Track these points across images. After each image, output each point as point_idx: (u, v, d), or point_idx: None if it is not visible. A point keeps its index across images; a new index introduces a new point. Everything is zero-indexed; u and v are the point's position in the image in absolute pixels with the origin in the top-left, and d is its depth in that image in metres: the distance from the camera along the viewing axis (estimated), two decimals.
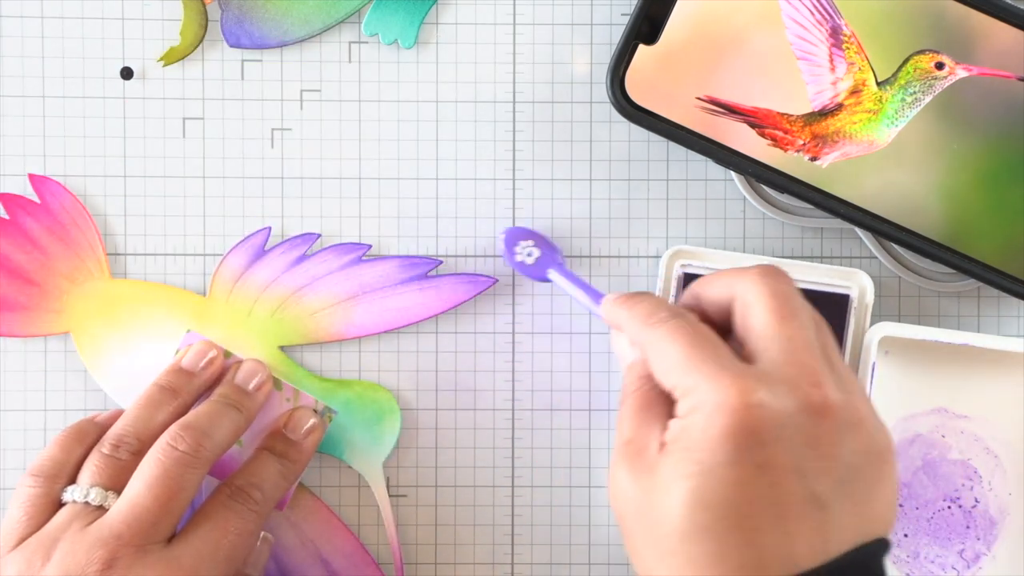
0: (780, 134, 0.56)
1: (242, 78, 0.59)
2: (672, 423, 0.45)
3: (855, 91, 0.56)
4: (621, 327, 0.50)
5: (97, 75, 0.59)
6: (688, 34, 0.56)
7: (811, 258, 0.59)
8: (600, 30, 0.59)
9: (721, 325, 0.48)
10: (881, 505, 0.45)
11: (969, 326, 0.59)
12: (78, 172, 0.59)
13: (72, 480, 0.53)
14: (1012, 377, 0.58)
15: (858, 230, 0.59)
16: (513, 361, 0.59)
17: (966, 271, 0.56)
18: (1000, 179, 0.56)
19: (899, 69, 0.56)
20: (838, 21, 0.56)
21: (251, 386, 0.57)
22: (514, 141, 0.59)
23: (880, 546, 0.44)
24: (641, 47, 0.56)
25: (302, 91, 0.59)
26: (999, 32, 0.55)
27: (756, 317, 0.46)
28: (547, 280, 0.57)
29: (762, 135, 0.56)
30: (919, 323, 0.59)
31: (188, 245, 0.59)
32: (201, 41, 0.59)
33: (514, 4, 0.59)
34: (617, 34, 0.58)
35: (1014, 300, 0.59)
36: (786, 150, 0.56)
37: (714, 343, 0.46)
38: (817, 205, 0.56)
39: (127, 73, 0.59)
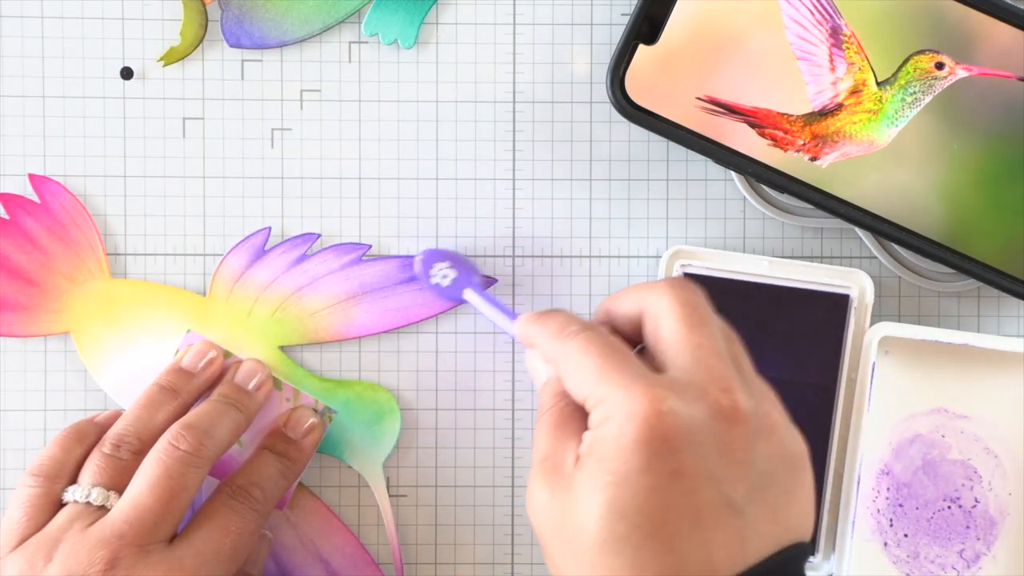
0: (780, 134, 0.56)
1: (242, 78, 0.59)
2: (586, 435, 0.45)
3: (855, 91, 0.56)
4: (534, 344, 0.49)
5: (97, 75, 0.59)
6: (688, 34, 0.56)
7: (811, 258, 0.59)
8: (600, 30, 0.59)
9: (633, 339, 0.48)
10: (798, 511, 0.45)
11: (969, 326, 0.59)
12: (78, 172, 0.59)
13: (72, 480, 0.53)
14: (1012, 377, 0.58)
15: (858, 230, 0.59)
16: (513, 361, 0.59)
17: (966, 271, 0.56)
18: (1000, 179, 0.56)
19: (899, 69, 0.56)
20: (838, 21, 0.56)
21: (251, 386, 0.57)
22: (514, 141, 0.59)
23: (798, 551, 0.44)
24: (641, 47, 0.56)
25: (302, 91, 0.59)
26: (999, 32, 0.56)
27: (665, 327, 0.46)
28: (463, 301, 0.57)
29: (762, 135, 0.56)
30: (919, 323, 0.59)
31: (188, 245, 0.59)
32: (201, 41, 0.59)
33: (514, 4, 0.59)
34: (617, 34, 0.58)
35: (1014, 300, 0.59)
36: (786, 150, 0.56)
37: (624, 354, 0.46)
38: (817, 205, 0.56)
39: (127, 73, 0.59)
